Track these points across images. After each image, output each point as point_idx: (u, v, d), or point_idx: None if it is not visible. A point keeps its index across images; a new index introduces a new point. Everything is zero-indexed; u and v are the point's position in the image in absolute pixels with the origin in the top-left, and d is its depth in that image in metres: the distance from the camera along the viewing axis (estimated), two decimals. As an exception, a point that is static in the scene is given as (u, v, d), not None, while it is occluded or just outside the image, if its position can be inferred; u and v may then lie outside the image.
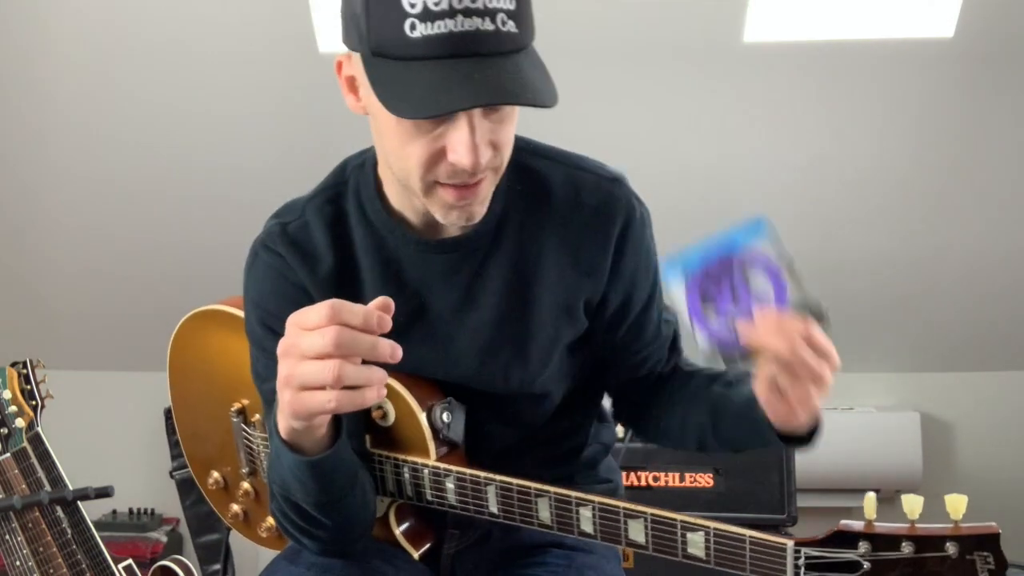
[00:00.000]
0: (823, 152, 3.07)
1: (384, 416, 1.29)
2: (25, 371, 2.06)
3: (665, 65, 2.91)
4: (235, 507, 1.63)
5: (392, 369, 1.14)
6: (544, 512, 1.21)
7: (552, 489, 1.21)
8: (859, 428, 3.27)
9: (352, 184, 1.31)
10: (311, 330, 1.02)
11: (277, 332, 1.16)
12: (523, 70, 1.07)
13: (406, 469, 1.28)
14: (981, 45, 2.83)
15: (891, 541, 1.06)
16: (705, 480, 2.58)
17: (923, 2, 2.81)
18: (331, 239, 1.29)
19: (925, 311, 3.32)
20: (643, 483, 2.54)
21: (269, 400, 1.28)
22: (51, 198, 3.27)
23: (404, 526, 1.34)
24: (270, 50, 2.94)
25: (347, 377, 1.01)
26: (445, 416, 1.28)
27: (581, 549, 1.42)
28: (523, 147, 1.28)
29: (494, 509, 1.24)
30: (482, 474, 1.24)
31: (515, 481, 1.22)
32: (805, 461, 2.64)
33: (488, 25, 1.04)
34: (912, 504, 1.07)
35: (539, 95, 1.07)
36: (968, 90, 2.94)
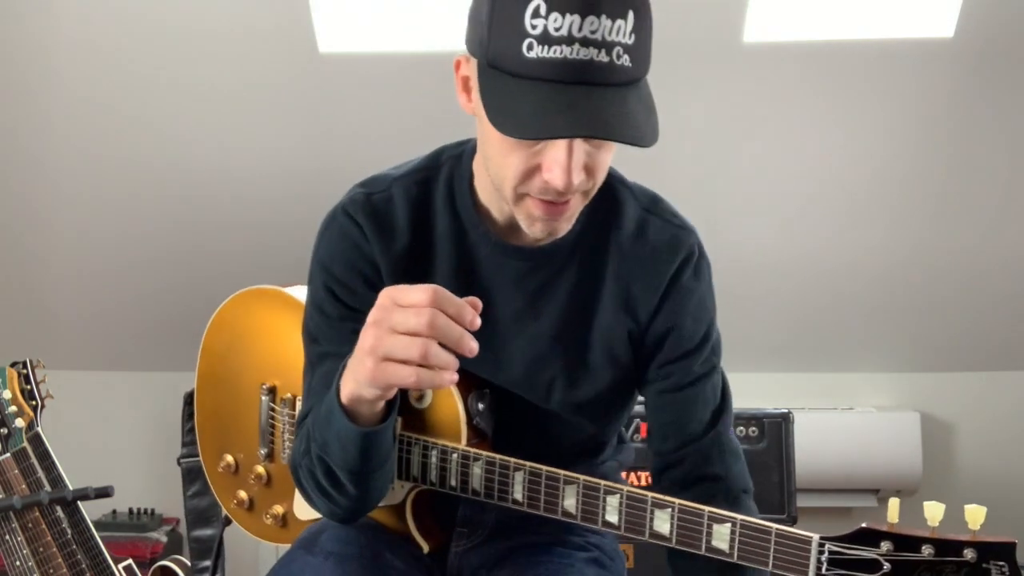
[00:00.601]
0: (822, 152, 3.07)
1: (421, 398, 1.32)
2: (25, 371, 2.06)
3: (664, 65, 2.90)
4: (242, 493, 1.63)
5: None
6: (570, 500, 1.24)
7: (582, 477, 1.23)
8: (859, 428, 3.27)
9: (445, 172, 1.34)
10: (407, 307, 1.07)
11: (338, 297, 1.26)
12: (628, 105, 1.10)
13: (435, 452, 1.30)
14: (981, 45, 2.83)
15: (912, 543, 1.10)
16: (705, 480, 2.58)
17: (923, 2, 2.81)
18: (412, 219, 1.32)
19: (925, 311, 3.32)
20: (643, 483, 2.55)
21: (313, 362, 1.33)
22: (51, 198, 3.27)
23: (420, 520, 1.37)
24: (270, 50, 2.94)
25: (433, 357, 1.07)
26: (480, 405, 1.31)
27: (585, 549, 1.43)
28: (614, 174, 1.34)
29: (518, 496, 1.26)
30: (512, 460, 1.27)
31: (545, 468, 1.25)
32: (805, 461, 2.64)
33: (603, 57, 1.08)
34: (933, 511, 1.10)
35: (638, 133, 1.10)
36: (968, 90, 2.93)
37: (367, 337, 1.10)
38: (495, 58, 1.11)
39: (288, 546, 1.41)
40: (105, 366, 3.52)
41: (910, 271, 3.24)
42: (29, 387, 2.05)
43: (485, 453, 1.29)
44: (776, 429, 2.54)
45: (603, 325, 1.34)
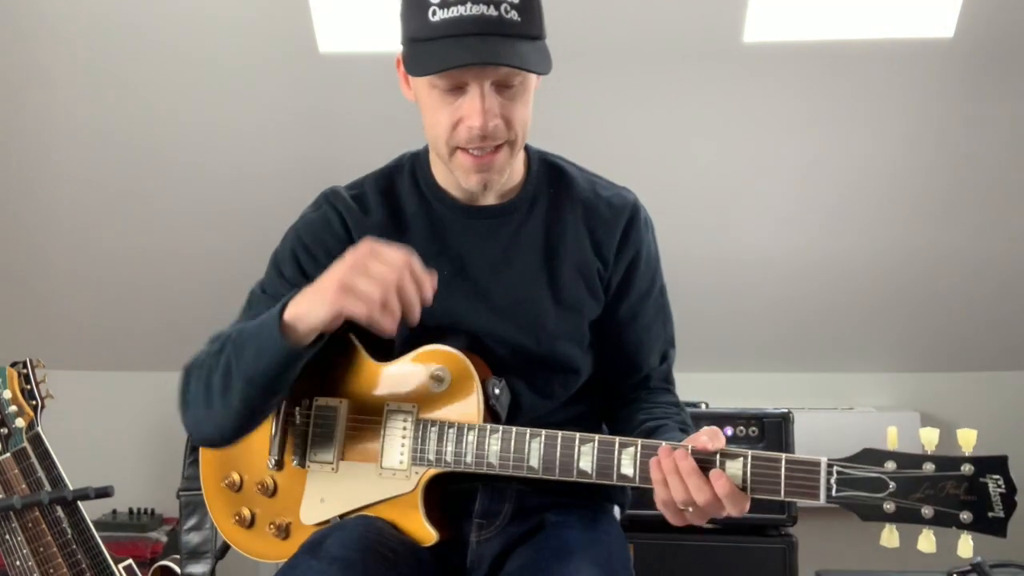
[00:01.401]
0: (822, 152, 3.07)
1: (440, 381, 1.43)
2: (25, 371, 2.05)
3: (665, 65, 2.91)
4: (244, 511, 1.62)
5: (437, 318, 1.43)
6: (585, 460, 1.33)
7: (596, 436, 1.35)
8: (859, 428, 3.27)
9: (408, 166, 1.55)
10: (383, 261, 1.28)
11: (299, 262, 1.48)
12: (518, 48, 1.32)
13: (451, 432, 1.41)
14: (981, 45, 2.83)
15: (914, 460, 1.20)
16: (705, 480, 2.58)
17: (923, 2, 2.81)
18: (384, 203, 1.52)
19: (925, 311, 3.32)
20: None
21: (252, 302, 1.52)
22: (52, 199, 3.27)
23: (430, 511, 1.43)
24: (270, 50, 2.94)
25: (388, 304, 1.27)
26: (496, 390, 1.42)
27: (600, 531, 1.48)
28: (553, 155, 1.57)
29: (534, 463, 1.36)
30: (528, 429, 1.37)
31: (560, 432, 1.36)
32: (805, 461, 2.64)
33: (492, 12, 1.31)
34: (929, 435, 1.21)
35: (527, 63, 1.32)
36: (968, 90, 2.93)
37: (341, 269, 1.29)
38: (412, 33, 1.36)
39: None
40: (105, 366, 3.52)
41: (910, 271, 3.24)
42: (29, 387, 2.05)
43: (501, 426, 1.38)
44: (776, 429, 2.54)
45: (574, 263, 1.50)
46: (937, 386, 3.43)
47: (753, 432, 2.55)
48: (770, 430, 2.54)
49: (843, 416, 3.31)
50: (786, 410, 2.57)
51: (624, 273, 1.53)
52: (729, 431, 2.55)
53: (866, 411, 3.36)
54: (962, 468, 1.18)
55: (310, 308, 1.30)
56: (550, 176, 1.54)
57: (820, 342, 3.40)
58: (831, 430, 3.23)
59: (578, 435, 1.35)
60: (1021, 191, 3.10)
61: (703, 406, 2.72)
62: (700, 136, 3.06)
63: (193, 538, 2.36)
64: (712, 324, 3.20)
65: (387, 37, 2.91)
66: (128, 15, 2.89)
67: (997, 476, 1.17)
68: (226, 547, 1.71)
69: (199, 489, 1.76)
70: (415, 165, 1.54)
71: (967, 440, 1.19)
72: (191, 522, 2.35)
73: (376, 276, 1.26)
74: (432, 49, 1.33)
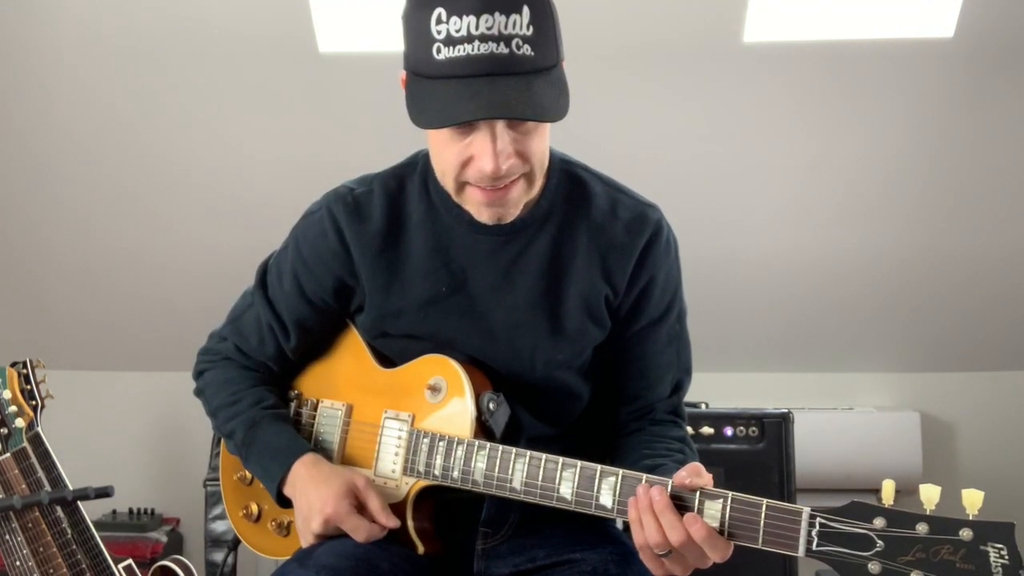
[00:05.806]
0: (821, 151, 3.07)
1: (437, 391, 1.41)
2: (25, 371, 2.05)
3: (665, 65, 2.91)
4: (253, 505, 1.63)
5: (432, 335, 1.43)
6: (566, 486, 1.29)
7: (580, 462, 1.29)
8: (859, 428, 3.27)
9: (420, 167, 1.47)
10: (359, 524, 1.37)
11: (299, 281, 1.48)
12: (533, 89, 1.22)
13: (442, 445, 1.39)
14: (981, 45, 2.83)
15: (907, 520, 1.09)
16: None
17: (923, 2, 2.81)
18: (388, 207, 1.45)
19: (925, 311, 3.32)
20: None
21: (251, 303, 1.57)
22: (52, 199, 3.27)
23: (419, 522, 1.42)
24: (270, 50, 2.94)
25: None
26: (492, 405, 1.39)
27: (609, 542, 1.46)
28: (576, 163, 1.48)
29: (516, 484, 1.32)
30: (514, 449, 1.34)
31: (544, 455, 1.31)
32: (805, 461, 2.64)
33: (503, 49, 1.20)
34: (929, 493, 1.09)
35: (538, 112, 1.22)
36: (968, 90, 2.93)
37: (331, 513, 1.39)
38: (415, 66, 1.26)
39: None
40: (105, 366, 3.52)
41: (910, 271, 3.24)
42: (29, 387, 2.04)
43: (488, 443, 1.35)
44: (776, 429, 2.54)
45: (580, 290, 1.42)
46: (937, 386, 3.43)
47: (753, 432, 2.55)
48: (770, 430, 2.54)
49: (843, 416, 3.31)
50: (786, 410, 2.58)
51: (636, 298, 1.45)
52: (729, 431, 2.56)
53: (866, 411, 3.36)
54: (960, 533, 1.05)
55: (298, 508, 1.45)
56: (569, 191, 1.44)
57: (820, 342, 3.40)
58: (831, 430, 3.23)
59: (562, 459, 1.30)
60: (1021, 191, 3.10)
61: (703, 406, 2.72)
62: (700, 136, 3.06)
63: (217, 527, 2.40)
64: (712, 324, 3.19)
65: (387, 37, 2.93)
66: (127, 16, 2.89)
67: (1000, 545, 1.04)
68: (238, 539, 1.72)
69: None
70: (427, 169, 1.44)
71: (972, 502, 1.07)
72: (215, 511, 2.39)
73: (351, 532, 1.38)
74: (437, 92, 1.22)
